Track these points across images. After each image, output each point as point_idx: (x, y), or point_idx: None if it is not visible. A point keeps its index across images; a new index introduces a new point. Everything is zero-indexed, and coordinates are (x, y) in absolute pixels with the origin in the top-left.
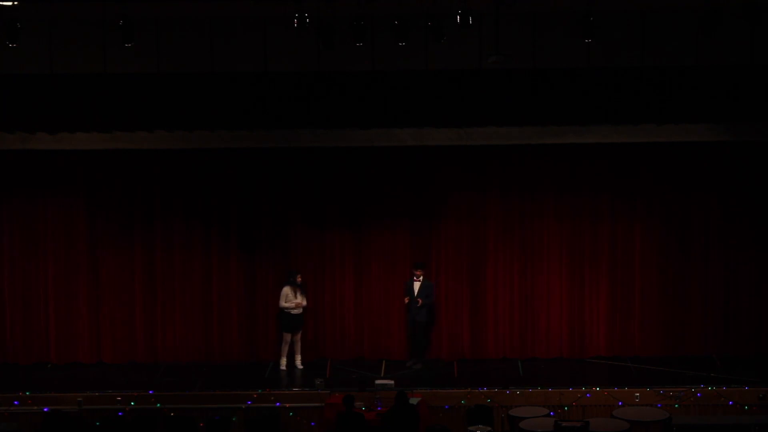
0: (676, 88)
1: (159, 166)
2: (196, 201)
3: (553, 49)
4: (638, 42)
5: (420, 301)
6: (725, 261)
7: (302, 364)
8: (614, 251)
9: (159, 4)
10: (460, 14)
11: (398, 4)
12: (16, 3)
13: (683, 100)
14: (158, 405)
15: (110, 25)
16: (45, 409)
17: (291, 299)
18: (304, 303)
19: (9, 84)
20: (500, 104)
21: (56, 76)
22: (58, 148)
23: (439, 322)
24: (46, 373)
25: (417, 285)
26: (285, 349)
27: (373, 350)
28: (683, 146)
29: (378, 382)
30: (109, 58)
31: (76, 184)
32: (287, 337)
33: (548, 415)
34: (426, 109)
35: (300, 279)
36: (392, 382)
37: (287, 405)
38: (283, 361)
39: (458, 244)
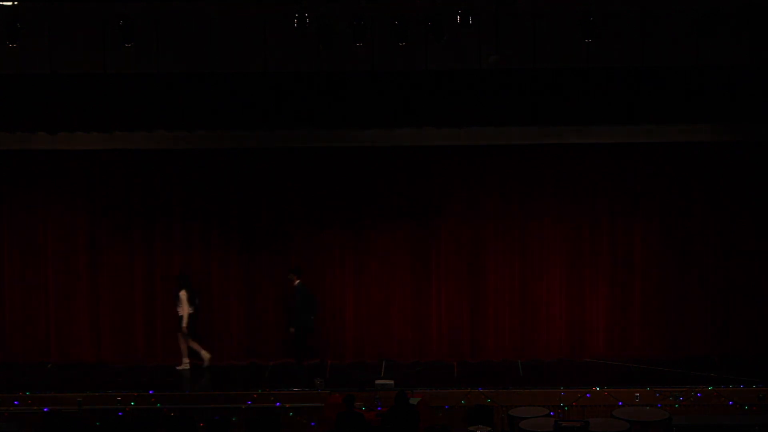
0: (676, 88)
1: (159, 166)
2: (196, 201)
3: (553, 49)
4: (638, 42)
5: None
6: (725, 261)
7: (187, 365)
8: (614, 251)
9: (159, 4)
10: (460, 14)
11: (398, 4)
12: (16, 3)
13: (683, 100)
14: (158, 405)
15: (110, 25)
16: (45, 409)
17: None
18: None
19: (9, 84)
20: (500, 104)
21: (56, 76)
22: (58, 148)
23: (440, 322)
24: (46, 373)
25: None
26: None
27: (373, 350)
28: (683, 146)
29: (378, 382)
30: (109, 58)
31: (76, 184)
32: None
33: (548, 415)
34: (426, 109)
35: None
36: (392, 382)
37: (287, 405)
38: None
39: (458, 244)
